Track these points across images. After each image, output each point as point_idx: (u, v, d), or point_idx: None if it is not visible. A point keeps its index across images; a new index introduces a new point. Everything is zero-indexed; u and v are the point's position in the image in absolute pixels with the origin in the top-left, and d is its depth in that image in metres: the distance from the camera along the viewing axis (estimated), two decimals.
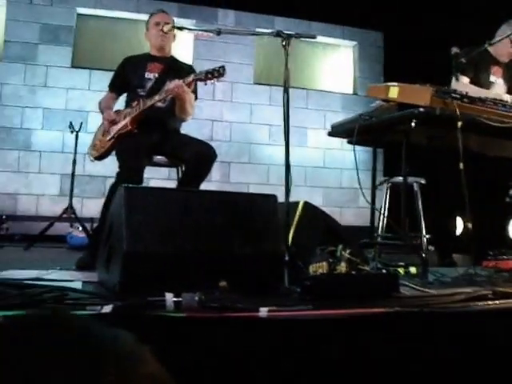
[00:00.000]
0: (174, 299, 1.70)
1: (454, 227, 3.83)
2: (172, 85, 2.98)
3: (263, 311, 1.67)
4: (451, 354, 1.78)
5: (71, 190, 5.08)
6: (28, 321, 0.60)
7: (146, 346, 0.60)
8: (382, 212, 3.62)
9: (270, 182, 6.17)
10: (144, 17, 5.46)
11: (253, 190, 6.08)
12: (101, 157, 3.27)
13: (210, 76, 2.89)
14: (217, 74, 2.89)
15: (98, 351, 0.55)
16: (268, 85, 6.42)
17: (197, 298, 1.71)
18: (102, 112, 3.30)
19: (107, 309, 1.60)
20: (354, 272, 2.24)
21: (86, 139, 4.30)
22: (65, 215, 4.96)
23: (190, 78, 2.98)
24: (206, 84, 2.97)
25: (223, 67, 2.90)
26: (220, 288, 1.92)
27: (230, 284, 1.94)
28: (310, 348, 1.66)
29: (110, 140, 3.16)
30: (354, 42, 7.01)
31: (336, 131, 3.62)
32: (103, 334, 0.59)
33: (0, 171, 5.76)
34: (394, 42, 6.40)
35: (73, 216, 4.96)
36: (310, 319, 1.71)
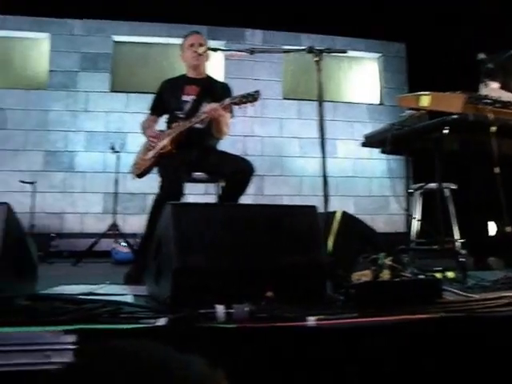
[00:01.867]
0: (225, 311, 1.74)
1: (488, 231, 3.81)
2: (209, 108, 3.08)
3: (311, 320, 1.71)
4: (500, 358, 1.79)
5: (114, 208, 5.26)
6: (111, 353, 0.60)
7: (219, 371, 0.60)
8: (417, 218, 3.64)
9: (302, 193, 6.24)
10: (175, 40, 5.65)
11: (286, 201, 6.16)
12: (142, 174, 3.37)
13: (244, 100, 2.99)
14: (251, 98, 2.98)
15: (172, 380, 0.55)
16: (296, 99, 6.52)
17: (247, 309, 1.74)
18: (144, 132, 3.42)
19: (161, 322, 1.64)
20: (397, 279, 2.25)
21: (126, 159, 4.46)
22: (109, 232, 5.13)
23: (226, 102, 3.07)
24: (240, 108, 3.07)
25: (258, 92, 2.98)
26: (267, 299, 1.97)
27: (276, 294, 1.99)
28: (358, 355, 1.68)
29: (150, 159, 3.26)
30: (378, 54, 7.07)
31: (369, 141, 3.67)
32: (177, 361, 0.59)
33: (47, 192, 6.01)
34: (416, 51, 6.43)
35: (117, 232, 5.13)
36: (357, 327, 1.74)
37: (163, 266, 2.13)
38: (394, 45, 7.03)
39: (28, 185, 5.62)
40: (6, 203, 2.08)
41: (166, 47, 6.38)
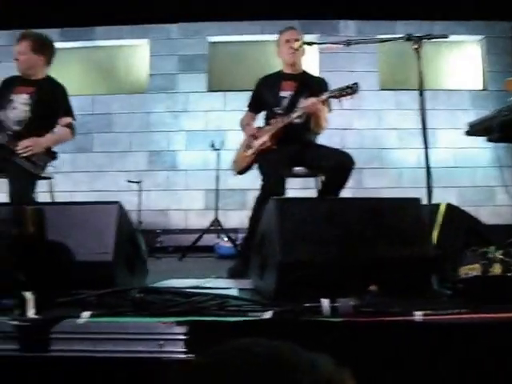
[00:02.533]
0: (330, 305, 1.73)
1: None
2: (308, 103, 3.09)
3: (418, 315, 1.67)
4: None
5: (216, 204, 5.44)
6: (228, 354, 0.61)
7: (345, 369, 0.59)
8: None
9: (402, 185, 6.08)
10: (269, 37, 5.71)
11: (386, 194, 6.02)
12: (242, 171, 3.45)
13: (344, 93, 2.97)
14: (350, 91, 2.96)
15: (295, 379, 0.55)
16: (394, 90, 6.35)
17: (352, 303, 1.73)
18: (243, 129, 3.50)
19: (267, 315, 1.67)
20: (509, 274, 2.14)
21: (225, 156, 4.58)
22: (212, 227, 5.31)
23: (324, 96, 3.07)
24: (339, 101, 3.03)
25: (356, 84, 2.95)
26: (371, 292, 1.94)
27: (380, 288, 1.96)
28: (467, 352, 1.63)
29: (250, 156, 3.33)
30: (480, 36, 6.68)
31: (474, 130, 3.51)
32: (300, 360, 0.58)
33: (152, 190, 6.35)
34: None
35: (219, 228, 5.30)
36: (467, 323, 1.68)
37: (267, 260, 2.16)
38: (498, 24, 6.60)
39: (134, 184, 5.95)
40: (117, 202, 2.22)
41: (260, 44, 6.46)
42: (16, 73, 3.51)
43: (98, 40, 6.85)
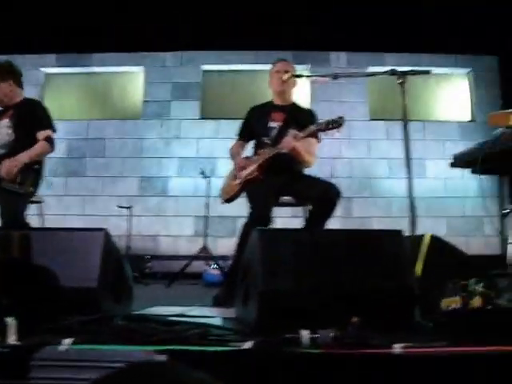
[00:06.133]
0: (310, 336, 1.74)
1: None
2: (284, 143, 3.16)
3: (398, 348, 1.68)
4: None
5: (205, 231, 5.45)
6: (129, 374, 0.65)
7: None
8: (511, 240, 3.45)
9: (392, 215, 6.11)
10: (262, 67, 5.82)
11: (375, 223, 6.06)
12: (230, 200, 3.47)
13: (330, 126, 3.02)
14: (336, 124, 3.00)
15: None
16: (384, 120, 6.44)
17: (332, 335, 1.74)
18: (232, 158, 3.54)
19: (247, 345, 1.67)
20: (489, 306, 2.16)
21: (216, 183, 4.62)
22: (200, 254, 5.32)
23: (311, 129, 3.13)
24: (326, 134, 3.10)
25: (342, 118, 3.00)
26: (352, 324, 1.95)
27: (362, 320, 1.98)
28: None
29: (238, 185, 3.36)
30: (468, 69, 6.82)
31: (459, 161, 3.56)
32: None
33: (142, 215, 6.37)
34: (510, 64, 6.13)
35: (207, 254, 5.31)
36: (446, 356, 1.70)
37: (250, 290, 2.18)
38: (485, 58, 6.76)
39: (125, 209, 5.97)
40: (103, 229, 2.24)
41: (253, 74, 6.57)
42: None
43: (94, 66, 6.96)
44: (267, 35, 5.93)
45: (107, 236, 2.25)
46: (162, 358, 1.58)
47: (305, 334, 1.76)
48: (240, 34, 6.05)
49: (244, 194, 3.33)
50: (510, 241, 3.42)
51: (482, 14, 5.58)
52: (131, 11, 6.00)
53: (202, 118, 6.75)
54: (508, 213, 3.51)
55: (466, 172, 3.60)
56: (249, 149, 3.60)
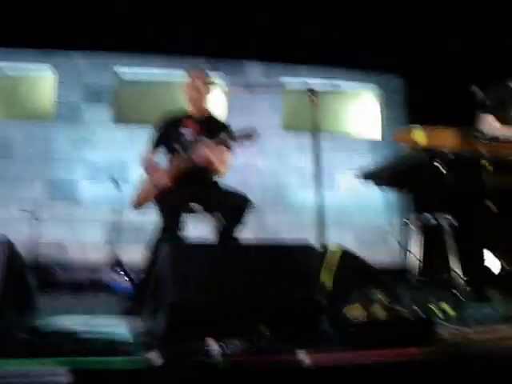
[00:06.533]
0: (218, 346, 1.77)
1: (485, 262, 3.83)
2: (197, 153, 3.18)
3: (304, 356, 1.74)
4: None
5: (115, 239, 5.30)
6: None
7: None
8: (412, 251, 3.64)
9: (302, 225, 6.24)
10: (178, 73, 5.77)
11: (287, 234, 6.18)
12: (141, 206, 3.43)
13: (243, 138, 3.10)
14: (249, 136, 3.08)
15: None
16: (296, 131, 6.58)
17: (240, 345, 1.79)
18: (144, 166, 3.49)
19: (153, 357, 1.68)
20: (389, 314, 2.27)
21: (127, 190, 4.50)
22: (109, 263, 5.15)
23: (223, 139, 3.17)
24: (238, 146, 3.17)
25: (254, 129, 3.07)
26: (261, 335, 1.99)
27: (271, 330, 2.01)
28: None
29: (149, 193, 3.32)
30: (377, 88, 7.16)
31: (366, 176, 3.71)
32: None
33: (49, 221, 6.06)
34: (414, 85, 6.53)
35: (117, 264, 5.15)
36: (349, 363, 1.77)
37: (160, 301, 2.17)
38: (392, 78, 7.13)
39: (30, 214, 5.67)
40: (7, 240, 2.14)
41: (168, 80, 6.49)
42: None
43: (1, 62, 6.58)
44: (182, 41, 5.89)
45: (9, 245, 2.16)
46: (65, 369, 1.53)
47: (213, 345, 1.77)
48: (155, 38, 5.96)
49: (155, 203, 3.28)
50: (410, 251, 3.60)
51: (391, 36, 5.88)
52: (41, 5, 5.73)
53: (115, 123, 6.57)
54: (409, 225, 3.71)
55: (373, 185, 3.76)
56: (162, 157, 3.55)
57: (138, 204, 3.43)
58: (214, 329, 1.92)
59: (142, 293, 2.75)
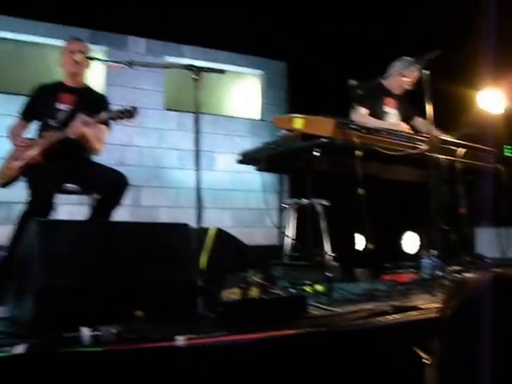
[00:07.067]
0: (91, 333, 1.69)
1: (355, 244, 4.09)
2: (72, 128, 3.02)
3: (180, 340, 1.72)
4: (358, 370, 1.93)
5: None
6: None
7: None
8: (288, 232, 3.78)
9: (180, 205, 6.20)
10: (55, 42, 5.39)
11: (163, 213, 6.10)
12: (7, 184, 3.19)
13: (121, 116, 2.96)
14: (128, 114, 2.96)
15: None
16: (178, 111, 6.49)
17: (114, 331, 1.72)
18: (12, 138, 3.25)
19: (20, 349, 1.55)
20: (265, 296, 2.34)
21: None
22: None
23: (102, 116, 3.03)
24: (116, 123, 3.05)
25: (135, 108, 2.96)
26: (136, 318, 1.94)
27: (146, 313, 1.98)
28: (228, 373, 1.73)
29: (17, 169, 3.09)
30: (261, 71, 7.26)
31: (245, 159, 3.78)
32: None
33: None
34: (297, 72, 6.71)
35: None
36: (225, 345, 1.79)
37: (25, 286, 2.03)
38: (276, 63, 7.24)
39: None
40: None
41: (43, 47, 5.97)
42: None
43: None
44: (64, 8, 5.49)
45: None
46: None
47: (85, 332, 1.70)
48: (33, 2, 5.49)
49: (24, 179, 3.07)
50: (286, 233, 3.73)
51: (275, 21, 5.98)
52: None
53: None
54: (285, 207, 3.84)
55: (252, 168, 3.84)
56: (32, 130, 3.32)
57: (4, 180, 3.17)
58: (86, 315, 1.83)
59: (4, 277, 2.56)
